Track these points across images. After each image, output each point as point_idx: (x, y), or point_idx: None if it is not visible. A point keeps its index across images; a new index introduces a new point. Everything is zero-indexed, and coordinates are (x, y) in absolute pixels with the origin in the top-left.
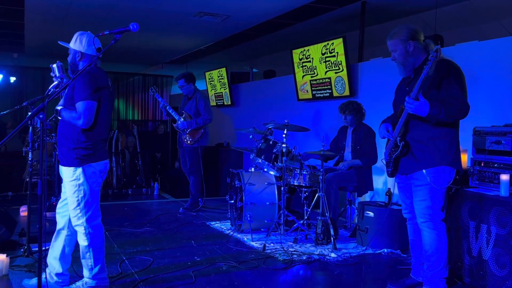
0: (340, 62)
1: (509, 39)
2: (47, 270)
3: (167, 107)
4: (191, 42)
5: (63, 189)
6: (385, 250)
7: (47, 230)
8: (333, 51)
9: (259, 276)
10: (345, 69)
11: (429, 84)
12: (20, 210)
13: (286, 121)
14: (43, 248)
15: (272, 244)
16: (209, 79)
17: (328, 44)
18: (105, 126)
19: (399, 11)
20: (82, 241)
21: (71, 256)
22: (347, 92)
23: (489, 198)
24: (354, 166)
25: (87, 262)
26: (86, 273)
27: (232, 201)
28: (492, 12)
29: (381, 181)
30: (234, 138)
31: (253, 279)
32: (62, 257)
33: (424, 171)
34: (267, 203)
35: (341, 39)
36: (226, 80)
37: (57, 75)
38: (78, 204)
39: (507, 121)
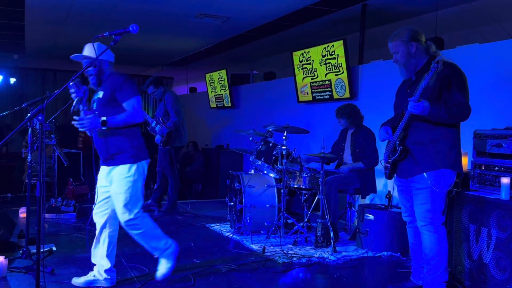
0: (340, 64)
1: (510, 41)
2: (95, 269)
3: (146, 117)
4: (191, 43)
5: (97, 192)
6: (385, 253)
7: (45, 232)
8: (333, 53)
9: (259, 278)
10: (345, 71)
11: (430, 93)
12: (19, 211)
13: (286, 123)
14: (42, 250)
15: (271, 247)
16: (209, 80)
17: (328, 46)
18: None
19: (400, 13)
20: (137, 233)
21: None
22: (347, 94)
23: (490, 202)
24: (356, 168)
25: (154, 244)
26: (158, 253)
27: (232, 203)
28: (493, 14)
29: (381, 184)
30: (234, 140)
31: (252, 282)
32: (109, 254)
33: (424, 174)
34: (267, 205)
35: (341, 41)
36: (226, 82)
37: (80, 89)
38: (130, 200)
39: (508, 124)
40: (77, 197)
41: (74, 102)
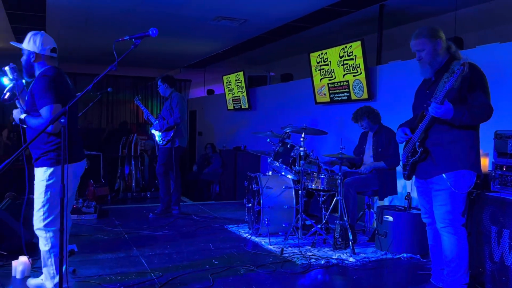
0: (358, 65)
1: None
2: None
3: (150, 116)
4: (209, 46)
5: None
6: (405, 255)
7: (68, 232)
8: (351, 54)
9: (277, 280)
10: (363, 72)
11: (454, 96)
12: None
13: (304, 125)
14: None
15: (290, 248)
16: (226, 82)
17: (346, 47)
18: (74, 127)
19: (418, 13)
20: (43, 246)
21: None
22: (365, 95)
23: None
24: (377, 168)
25: (48, 270)
26: (47, 284)
27: (250, 205)
28: None
29: (401, 185)
30: (251, 142)
31: (271, 283)
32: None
33: (444, 175)
34: (285, 206)
35: (359, 42)
36: (243, 84)
37: (11, 77)
38: (43, 206)
39: None
40: (98, 199)
41: (6, 89)
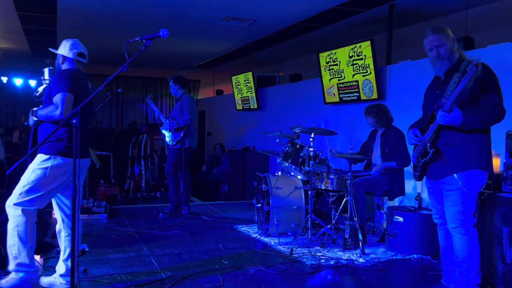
0: (368, 65)
1: None
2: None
3: (160, 116)
4: (218, 46)
5: None
6: (415, 256)
7: (79, 232)
8: (360, 54)
9: (287, 280)
10: (373, 72)
11: (466, 97)
12: (53, 212)
13: (313, 125)
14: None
15: (299, 248)
16: (235, 83)
17: (355, 47)
18: (83, 127)
19: (428, 13)
20: (10, 223)
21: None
22: (375, 95)
23: None
24: (388, 168)
25: (11, 250)
26: (11, 265)
27: (259, 205)
28: None
29: (411, 186)
30: (260, 142)
31: (280, 283)
32: (66, 259)
33: (455, 175)
34: (294, 207)
35: (369, 42)
36: (252, 84)
37: (46, 78)
38: (23, 186)
39: None
40: (108, 198)
41: (40, 87)
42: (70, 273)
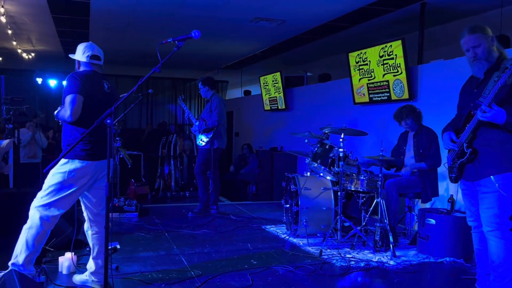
0: (398, 65)
1: None
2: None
3: (190, 116)
4: (247, 47)
5: None
6: (447, 259)
7: (112, 230)
8: (391, 53)
9: (316, 281)
10: (404, 71)
11: (506, 93)
12: None
13: (343, 125)
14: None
15: (328, 250)
16: (263, 83)
17: (386, 46)
18: (101, 126)
19: (461, 11)
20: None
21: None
22: (406, 95)
23: None
24: (418, 169)
25: (17, 245)
26: (20, 258)
27: (288, 205)
28: None
29: (443, 188)
30: (287, 142)
31: (310, 284)
32: (95, 257)
33: (492, 177)
34: (324, 208)
35: (399, 41)
36: (280, 84)
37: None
38: (44, 190)
39: None
40: (139, 197)
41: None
42: (104, 270)
